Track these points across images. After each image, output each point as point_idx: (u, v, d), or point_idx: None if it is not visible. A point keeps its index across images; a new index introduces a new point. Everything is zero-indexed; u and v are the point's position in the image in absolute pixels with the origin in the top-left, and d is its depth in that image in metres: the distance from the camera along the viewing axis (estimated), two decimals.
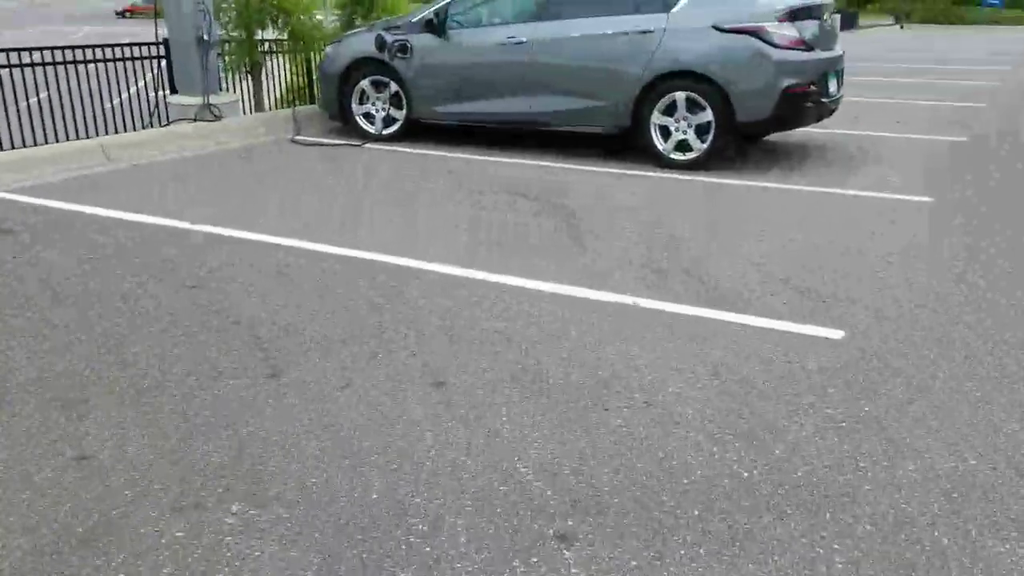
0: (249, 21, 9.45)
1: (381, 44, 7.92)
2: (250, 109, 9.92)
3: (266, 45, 9.98)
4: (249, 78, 10.08)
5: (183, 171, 6.90)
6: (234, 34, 9.68)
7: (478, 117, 7.83)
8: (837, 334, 3.75)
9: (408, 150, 7.79)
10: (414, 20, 7.96)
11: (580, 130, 7.45)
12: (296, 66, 10.31)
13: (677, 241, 5.03)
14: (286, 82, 10.53)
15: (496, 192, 6.22)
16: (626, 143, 7.38)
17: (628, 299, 4.14)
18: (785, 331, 3.76)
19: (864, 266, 4.61)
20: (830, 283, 4.34)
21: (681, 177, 6.70)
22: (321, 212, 5.69)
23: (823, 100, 7.12)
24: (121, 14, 57.43)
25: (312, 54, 10.09)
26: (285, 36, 10.02)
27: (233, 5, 9.60)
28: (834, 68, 7.26)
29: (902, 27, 38.75)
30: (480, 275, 4.47)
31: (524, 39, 7.40)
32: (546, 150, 7.66)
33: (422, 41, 7.85)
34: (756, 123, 6.88)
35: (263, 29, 9.74)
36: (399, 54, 7.89)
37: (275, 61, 10.22)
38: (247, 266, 4.60)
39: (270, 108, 10.03)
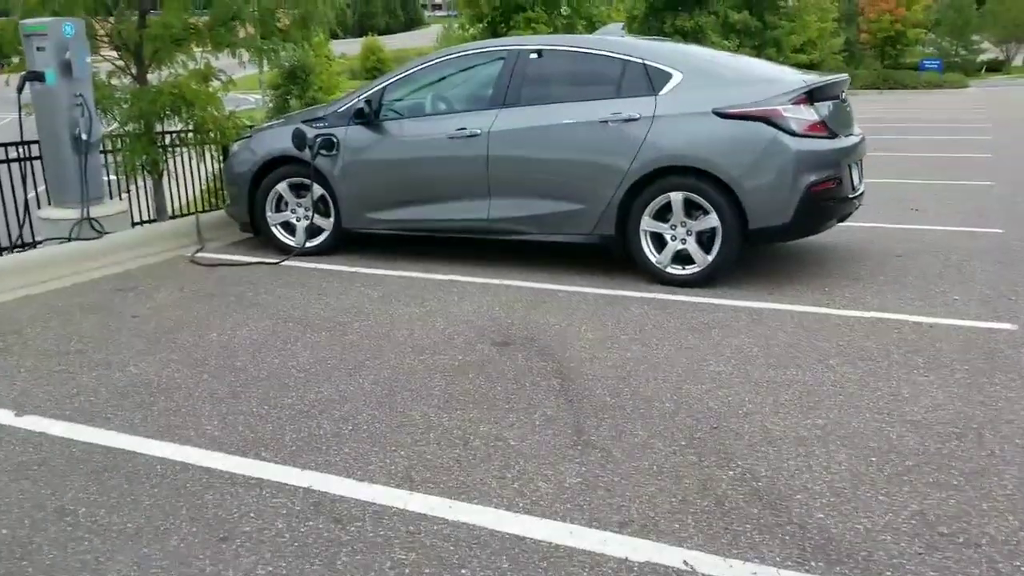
0: (145, 112, 7.88)
1: (300, 140, 6.40)
2: (151, 217, 8.32)
3: (168, 139, 8.43)
4: (147, 180, 8.51)
5: (29, 316, 5.22)
6: (128, 128, 8.12)
7: (424, 226, 6.32)
8: None
9: (337, 268, 6.24)
10: (341, 110, 6.48)
11: (553, 240, 5.97)
12: (205, 163, 8.76)
13: (720, 420, 3.51)
14: (205, 181, 8.96)
15: (453, 336, 4.67)
16: (611, 254, 5.93)
17: (677, 556, 2.60)
18: None
19: (1005, 469, 3.14)
20: (968, 505, 2.84)
21: (691, 299, 5.24)
22: (204, 387, 4.07)
23: (849, 197, 5.77)
24: None
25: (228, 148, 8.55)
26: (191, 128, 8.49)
27: (126, 96, 8.05)
28: (857, 157, 5.93)
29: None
30: (428, 505, 2.89)
31: (479, 130, 5.95)
32: (514, 262, 6.17)
33: (352, 135, 6.37)
34: (773, 229, 5.45)
35: (162, 121, 8.19)
36: (323, 151, 6.39)
37: (185, 157, 8.66)
38: (76, 499, 2.95)
39: (182, 214, 8.42)
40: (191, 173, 8.64)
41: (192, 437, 3.48)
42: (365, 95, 6.41)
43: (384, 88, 6.41)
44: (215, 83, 8.78)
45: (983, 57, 56.80)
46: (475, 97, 6.26)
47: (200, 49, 8.55)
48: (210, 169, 8.89)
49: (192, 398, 3.90)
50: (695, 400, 3.74)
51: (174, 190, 8.61)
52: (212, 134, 8.38)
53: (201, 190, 8.96)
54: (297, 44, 9.26)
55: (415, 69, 6.51)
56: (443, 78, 6.55)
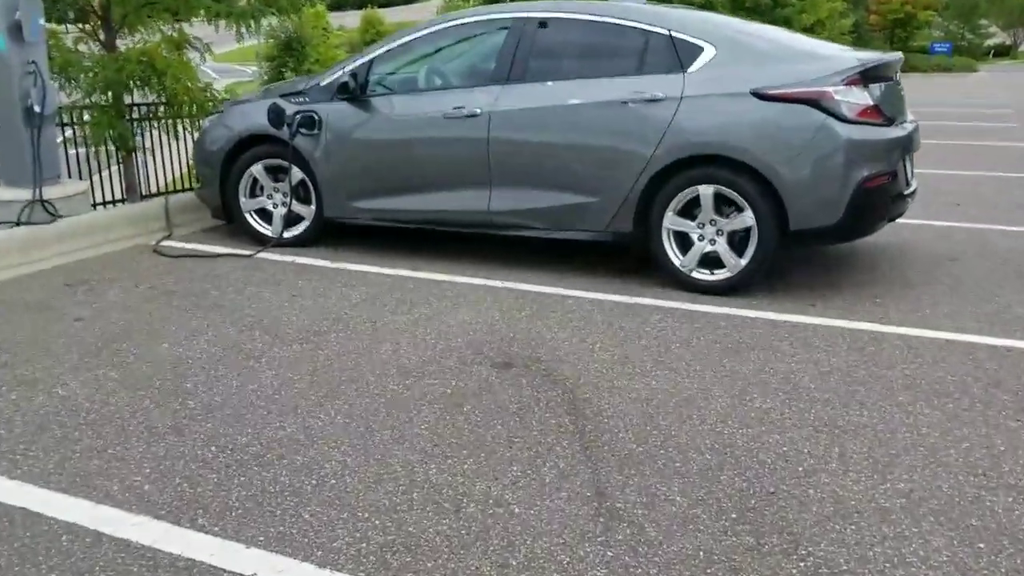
0: (111, 82, 7.11)
1: (278, 117, 5.66)
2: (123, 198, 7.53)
3: (141, 111, 7.65)
4: (118, 156, 7.74)
5: None
6: (96, 99, 7.35)
7: (415, 217, 5.58)
8: None
9: (316, 263, 5.52)
10: (323, 83, 5.72)
11: (561, 236, 5.25)
12: (188, 140, 7.96)
13: (777, 482, 2.81)
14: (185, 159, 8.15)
15: (446, 354, 3.96)
16: (628, 253, 5.21)
17: None
18: None
19: None
20: None
21: (721, 311, 4.53)
22: (142, 418, 3.37)
23: (903, 194, 5.05)
24: None
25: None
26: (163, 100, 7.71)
27: (89, 63, 7.27)
28: (911, 147, 5.19)
29: None
30: None
31: (478, 110, 5.21)
32: (517, 261, 5.46)
33: (335, 112, 5.62)
34: (819, 231, 4.71)
35: (131, 93, 7.42)
36: (303, 129, 5.64)
37: (169, 133, 7.84)
38: None
39: (158, 193, 7.62)
40: (174, 150, 7.84)
41: (114, 492, 2.77)
42: (351, 67, 5.65)
43: (373, 60, 5.65)
44: (192, 52, 8.01)
45: (990, 42, 55.97)
46: (475, 72, 5.51)
47: (175, 21, 7.76)
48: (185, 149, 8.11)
49: (125, 433, 3.19)
50: (742, 450, 3.04)
51: (158, 168, 7.82)
52: (186, 107, 7.61)
53: (190, 168, 8.15)
54: (282, 13, 8.46)
55: (408, 39, 5.73)
56: (439, 50, 5.77)
